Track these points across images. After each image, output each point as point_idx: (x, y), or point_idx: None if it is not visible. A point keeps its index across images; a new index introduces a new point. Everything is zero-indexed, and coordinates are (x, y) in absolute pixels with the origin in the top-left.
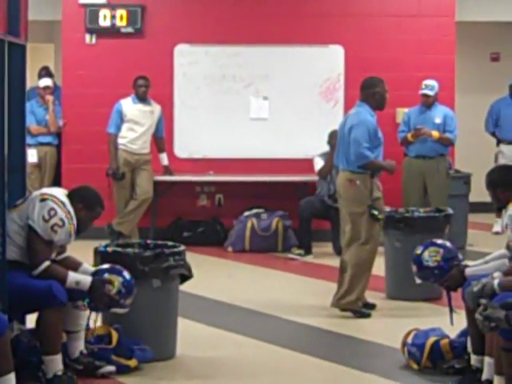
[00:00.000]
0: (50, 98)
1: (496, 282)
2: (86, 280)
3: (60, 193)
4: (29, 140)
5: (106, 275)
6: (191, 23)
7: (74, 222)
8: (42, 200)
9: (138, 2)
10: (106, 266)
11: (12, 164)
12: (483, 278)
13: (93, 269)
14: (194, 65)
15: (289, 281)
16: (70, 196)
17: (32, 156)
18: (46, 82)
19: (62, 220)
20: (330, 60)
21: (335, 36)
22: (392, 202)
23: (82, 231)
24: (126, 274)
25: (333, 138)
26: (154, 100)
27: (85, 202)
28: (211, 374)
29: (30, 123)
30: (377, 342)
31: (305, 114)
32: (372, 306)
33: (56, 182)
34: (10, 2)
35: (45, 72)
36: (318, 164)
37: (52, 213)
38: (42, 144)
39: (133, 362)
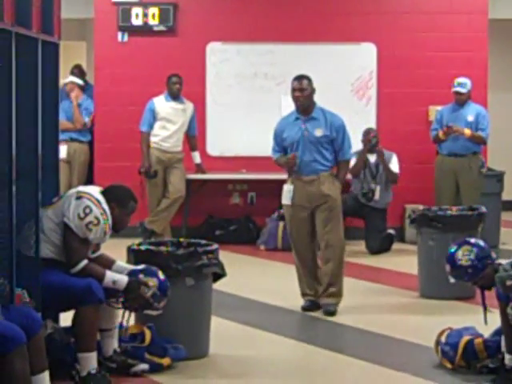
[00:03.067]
0: (73, 94)
1: None
2: (123, 280)
3: (95, 191)
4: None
5: (142, 276)
6: (223, 21)
7: (110, 220)
8: (78, 198)
9: (170, 0)
10: (141, 266)
11: (45, 161)
12: None
13: (127, 265)
14: (225, 63)
15: None
16: (103, 195)
17: (61, 151)
18: (69, 78)
19: (97, 218)
20: (363, 58)
21: (367, 34)
22: (425, 200)
23: (119, 229)
24: (161, 276)
25: (366, 135)
26: (186, 98)
27: (117, 199)
28: (244, 372)
29: (61, 119)
30: (410, 341)
31: (337, 112)
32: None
33: (87, 180)
34: (44, 0)
35: (77, 70)
36: (351, 162)
37: (87, 211)
38: (72, 140)
39: (166, 361)
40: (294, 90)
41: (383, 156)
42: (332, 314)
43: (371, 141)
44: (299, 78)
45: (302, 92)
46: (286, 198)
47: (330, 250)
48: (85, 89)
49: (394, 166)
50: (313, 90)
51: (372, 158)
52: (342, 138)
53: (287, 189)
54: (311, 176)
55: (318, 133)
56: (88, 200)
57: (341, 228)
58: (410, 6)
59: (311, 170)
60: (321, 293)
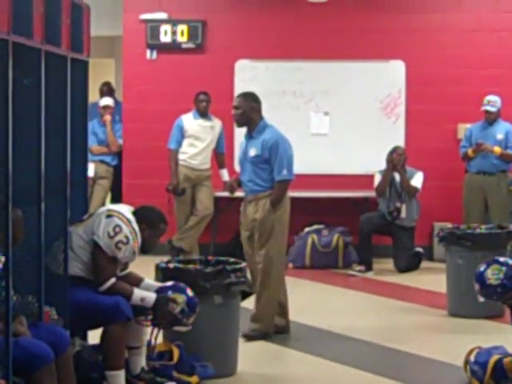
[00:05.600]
0: (107, 118)
1: None
2: (151, 297)
3: (126, 210)
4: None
5: (170, 293)
6: (252, 39)
7: (139, 239)
8: (108, 216)
9: (198, 17)
10: (169, 283)
11: (74, 179)
12: None
13: (155, 283)
14: (254, 80)
15: (349, 297)
16: (134, 215)
17: (90, 170)
18: (106, 101)
19: (126, 237)
20: (391, 75)
21: (396, 51)
22: (453, 218)
23: (149, 250)
24: (190, 293)
25: (390, 155)
26: (214, 115)
27: (147, 221)
28: None
29: (92, 143)
30: (439, 360)
31: (365, 130)
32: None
33: (114, 199)
34: (73, 18)
35: (106, 88)
36: (376, 180)
37: (117, 230)
38: (101, 162)
39: (194, 379)
40: (233, 107)
41: (401, 170)
42: (245, 338)
43: (394, 160)
44: (237, 96)
45: (236, 110)
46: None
47: (262, 276)
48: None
49: (416, 181)
50: (251, 108)
51: (397, 177)
52: (274, 157)
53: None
54: (250, 196)
55: (252, 152)
56: (118, 219)
57: (272, 252)
58: (439, 24)
59: (249, 190)
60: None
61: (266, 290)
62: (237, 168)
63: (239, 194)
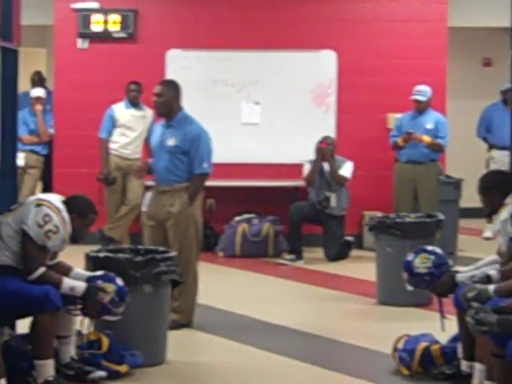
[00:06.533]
0: (38, 107)
1: (492, 288)
2: (81, 286)
3: (56, 199)
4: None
5: (100, 282)
6: (183, 28)
7: (69, 228)
8: (38, 205)
9: (130, 6)
10: (99, 272)
11: (3, 168)
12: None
13: (85, 272)
14: (185, 70)
15: (279, 286)
16: (64, 204)
17: (19, 159)
18: (37, 92)
19: (56, 226)
20: (323, 65)
21: (328, 41)
22: (383, 207)
23: (79, 240)
24: (120, 282)
25: (318, 144)
26: (146, 105)
27: (77, 210)
28: (201, 379)
29: (23, 133)
30: (368, 348)
31: (296, 119)
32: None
33: (44, 189)
34: (3, 7)
35: (37, 77)
36: (306, 170)
37: (47, 219)
38: (32, 152)
39: (123, 368)
40: (153, 94)
41: (329, 159)
42: (172, 328)
43: (323, 150)
44: (160, 83)
45: (159, 97)
46: (145, 205)
47: (182, 269)
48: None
49: (345, 170)
50: (173, 96)
51: (327, 166)
52: (195, 150)
53: (148, 196)
54: (164, 186)
55: (171, 142)
56: (48, 208)
57: (190, 245)
58: (370, 14)
59: (164, 179)
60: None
61: (186, 282)
62: None
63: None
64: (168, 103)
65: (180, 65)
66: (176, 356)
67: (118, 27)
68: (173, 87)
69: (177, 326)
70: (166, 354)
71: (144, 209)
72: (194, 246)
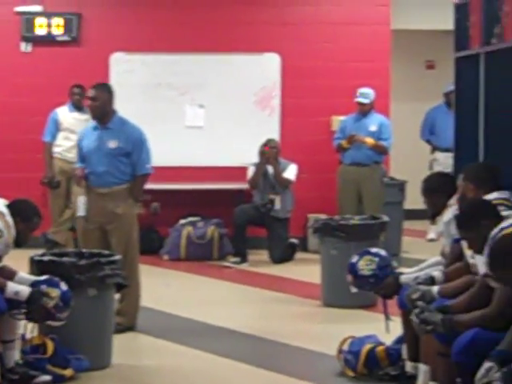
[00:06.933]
0: None
1: (436, 289)
2: (25, 291)
3: (0, 203)
4: None
5: (44, 287)
6: (127, 32)
7: (13, 232)
8: None
9: (74, 10)
10: (44, 277)
11: None
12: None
13: (29, 277)
14: (129, 73)
15: (224, 289)
16: (8, 208)
17: None
18: None
19: (0, 230)
20: (266, 68)
21: (271, 44)
22: (327, 210)
23: (23, 244)
24: (64, 287)
25: (262, 147)
26: None
27: (21, 214)
28: (147, 382)
29: None
30: (313, 350)
31: (240, 122)
32: None
33: None
34: None
35: None
36: (250, 173)
37: None
38: None
39: (68, 372)
40: (88, 98)
41: (273, 162)
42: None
43: (266, 153)
44: (95, 87)
45: (96, 101)
46: (81, 210)
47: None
48: None
49: (289, 173)
50: (108, 99)
51: (271, 169)
52: (139, 151)
53: (81, 200)
54: (104, 189)
55: (112, 144)
56: None
57: (134, 247)
58: (314, 17)
59: (104, 182)
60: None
61: (131, 285)
62: None
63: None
64: (103, 106)
65: (124, 68)
66: (121, 360)
67: (61, 30)
68: (106, 90)
69: (121, 329)
70: (111, 358)
71: (81, 213)
72: (138, 248)
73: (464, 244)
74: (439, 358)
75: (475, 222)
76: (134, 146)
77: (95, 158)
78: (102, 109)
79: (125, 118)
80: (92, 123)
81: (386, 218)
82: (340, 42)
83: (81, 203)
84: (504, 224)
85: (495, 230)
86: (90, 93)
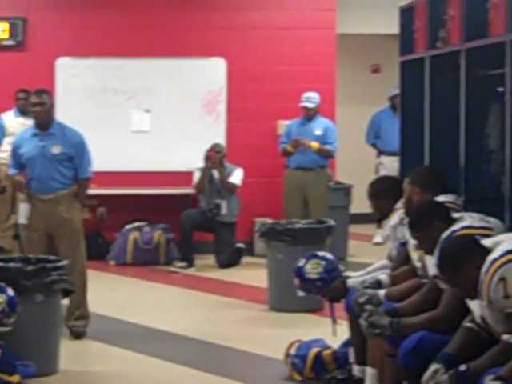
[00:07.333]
0: None
1: (382, 293)
2: None
3: None
4: None
5: None
6: (73, 36)
7: None
8: None
9: (19, 14)
10: None
11: None
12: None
13: None
14: (75, 78)
15: (171, 294)
16: None
17: None
18: None
19: None
20: (213, 72)
21: (217, 48)
22: (274, 214)
23: None
24: (10, 292)
25: (207, 152)
26: None
27: None
28: None
29: None
30: (260, 354)
31: (187, 127)
32: None
33: None
34: None
35: None
36: (196, 178)
37: None
38: None
39: (15, 378)
40: (34, 104)
41: (218, 167)
42: (81, 335)
43: (212, 157)
44: (39, 93)
45: (43, 106)
46: (23, 217)
47: (73, 275)
48: None
49: (235, 178)
50: (52, 105)
51: (217, 174)
52: (81, 155)
53: (24, 207)
54: (48, 195)
55: (56, 150)
56: None
57: (83, 251)
58: (260, 21)
59: (48, 188)
60: (67, 316)
61: (86, 288)
62: None
63: None
64: (50, 112)
65: (69, 73)
66: (69, 365)
67: (6, 35)
68: (49, 95)
69: (84, 331)
70: (58, 364)
71: (23, 221)
72: (85, 250)
73: (410, 247)
74: (387, 359)
75: (427, 222)
76: (77, 150)
77: (39, 165)
78: (48, 114)
79: (63, 123)
80: (28, 130)
81: (332, 222)
82: (286, 46)
83: (23, 210)
84: (455, 227)
85: (446, 233)
86: (37, 98)
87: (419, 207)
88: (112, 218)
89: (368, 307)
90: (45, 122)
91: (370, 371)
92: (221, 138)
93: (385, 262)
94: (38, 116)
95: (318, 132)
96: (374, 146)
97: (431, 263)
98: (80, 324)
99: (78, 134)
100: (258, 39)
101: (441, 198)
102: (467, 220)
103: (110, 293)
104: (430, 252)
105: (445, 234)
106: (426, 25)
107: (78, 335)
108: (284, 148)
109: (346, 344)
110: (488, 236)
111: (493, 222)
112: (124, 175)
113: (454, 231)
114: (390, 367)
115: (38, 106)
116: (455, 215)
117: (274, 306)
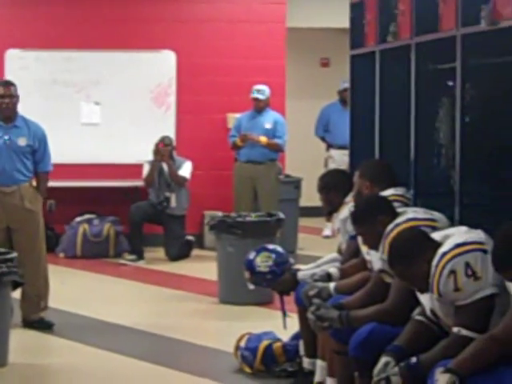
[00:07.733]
0: None
1: (332, 286)
2: None
3: None
4: None
5: None
6: (22, 28)
7: None
8: None
9: None
10: None
11: None
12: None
13: None
14: (24, 70)
15: (121, 286)
16: None
17: None
18: None
19: None
20: (162, 65)
21: (167, 41)
22: (224, 207)
23: None
24: None
25: (156, 145)
26: None
27: None
28: (44, 381)
29: None
30: (210, 346)
31: (136, 119)
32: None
33: None
34: None
35: None
36: (145, 170)
37: None
38: None
39: None
40: (2, 96)
41: (167, 160)
42: (52, 325)
43: (160, 150)
44: (6, 85)
45: (11, 98)
46: None
47: (36, 268)
48: None
49: (184, 171)
50: (18, 98)
51: (166, 167)
52: (43, 148)
53: None
54: (12, 187)
55: (22, 142)
56: None
57: (43, 243)
58: (210, 14)
59: (12, 180)
60: (32, 309)
61: (47, 281)
62: None
63: None
64: (16, 104)
65: (19, 65)
66: (18, 358)
67: None
68: (16, 87)
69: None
70: (7, 357)
71: None
72: (45, 243)
73: (360, 240)
74: (335, 356)
75: (371, 217)
76: (40, 143)
77: (4, 157)
78: (15, 106)
79: (25, 116)
80: None
81: (281, 215)
82: (236, 39)
83: None
84: (398, 220)
85: (390, 226)
86: (7, 90)
87: (362, 203)
88: (61, 210)
89: (315, 301)
90: (12, 114)
91: (320, 364)
92: (170, 131)
93: (335, 255)
94: (7, 108)
95: (268, 125)
96: (322, 138)
97: (376, 258)
98: (45, 315)
99: (41, 128)
100: (207, 32)
101: (390, 191)
102: (411, 213)
103: (60, 286)
104: (374, 247)
105: (389, 227)
106: (377, 19)
107: (49, 326)
108: (233, 141)
109: (296, 337)
110: (433, 227)
111: (437, 215)
112: (74, 167)
113: (398, 224)
114: (339, 364)
115: (7, 97)
116: (399, 210)
117: (224, 298)
